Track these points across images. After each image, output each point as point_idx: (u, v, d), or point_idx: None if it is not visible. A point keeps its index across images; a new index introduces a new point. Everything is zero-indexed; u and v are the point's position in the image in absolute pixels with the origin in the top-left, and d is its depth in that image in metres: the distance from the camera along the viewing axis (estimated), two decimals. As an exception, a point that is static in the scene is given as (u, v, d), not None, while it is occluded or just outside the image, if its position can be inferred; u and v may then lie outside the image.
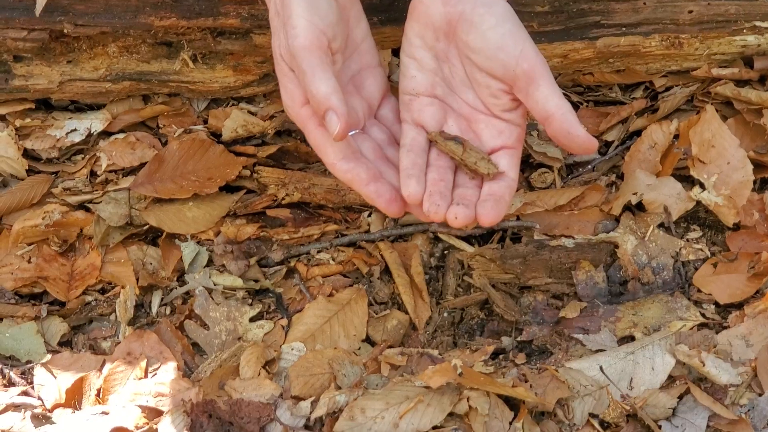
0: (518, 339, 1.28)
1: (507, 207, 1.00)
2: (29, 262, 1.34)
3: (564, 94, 1.45)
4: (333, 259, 1.36)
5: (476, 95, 1.03)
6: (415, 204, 0.98)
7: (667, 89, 1.48)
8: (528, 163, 1.44)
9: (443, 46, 1.03)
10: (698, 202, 1.36)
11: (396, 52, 1.43)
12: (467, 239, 1.38)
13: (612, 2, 1.38)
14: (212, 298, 1.31)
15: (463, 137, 1.03)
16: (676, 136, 1.42)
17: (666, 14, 1.39)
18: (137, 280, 1.33)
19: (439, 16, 1.01)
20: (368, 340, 1.29)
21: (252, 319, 1.30)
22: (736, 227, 1.35)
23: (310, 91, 0.94)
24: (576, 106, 1.48)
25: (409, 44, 1.05)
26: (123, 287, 1.32)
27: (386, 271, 1.35)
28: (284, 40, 0.97)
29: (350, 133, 1.00)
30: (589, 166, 1.44)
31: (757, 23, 1.41)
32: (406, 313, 1.30)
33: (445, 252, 1.38)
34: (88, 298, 1.33)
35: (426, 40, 1.04)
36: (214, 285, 1.32)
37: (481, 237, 1.39)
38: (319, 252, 1.37)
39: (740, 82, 1.46)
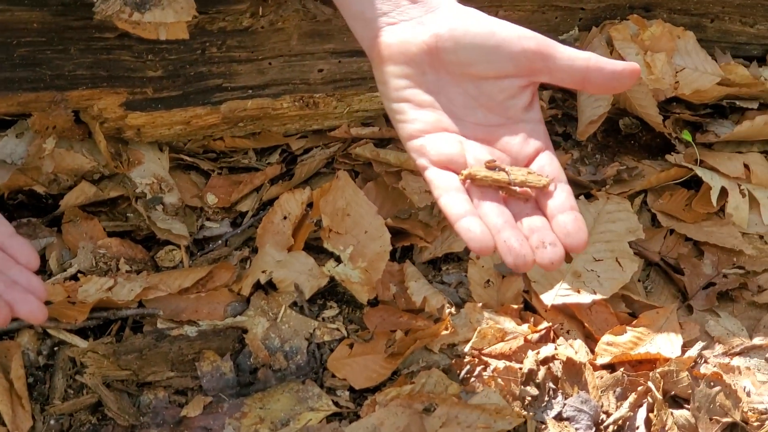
0: (133, 446, 1.15)
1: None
2: None
3: (193, 162, 1.35)
4: None
5: (487, 111, 0.93)
6: (486, 252, 0.86)
7: (307, 151, 1.39)
8: (155, 241, 1.31)
9: (432, 77, 0.93)
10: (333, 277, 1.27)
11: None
12: (82, 332, 1.23)
13: (234, 64, 1.27)
14: None
15: (495, 162, 0.91)
16: (311, 205, 1.32)
17: (294, 74, 1.30)
18: None
19: (416, 49, 0.91)
20: (-43, 464, 1.12)
21: None
22: (375, 302, 1.27)
23: None
24: (207, 174, 1.36)
25: (393, 89, 0.93)
26: None
27: (-18, 378, 1.18)
28: None
29: None
30: (220, 241, 1.31)
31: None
32: (5, 425, 1.14)
33: (56, 349, 1.22)
34: None
35: (413, 78, 0.93)
36: None
37: (98, 329, 1.24)
38: None
39: (383, 141, 1.38)
